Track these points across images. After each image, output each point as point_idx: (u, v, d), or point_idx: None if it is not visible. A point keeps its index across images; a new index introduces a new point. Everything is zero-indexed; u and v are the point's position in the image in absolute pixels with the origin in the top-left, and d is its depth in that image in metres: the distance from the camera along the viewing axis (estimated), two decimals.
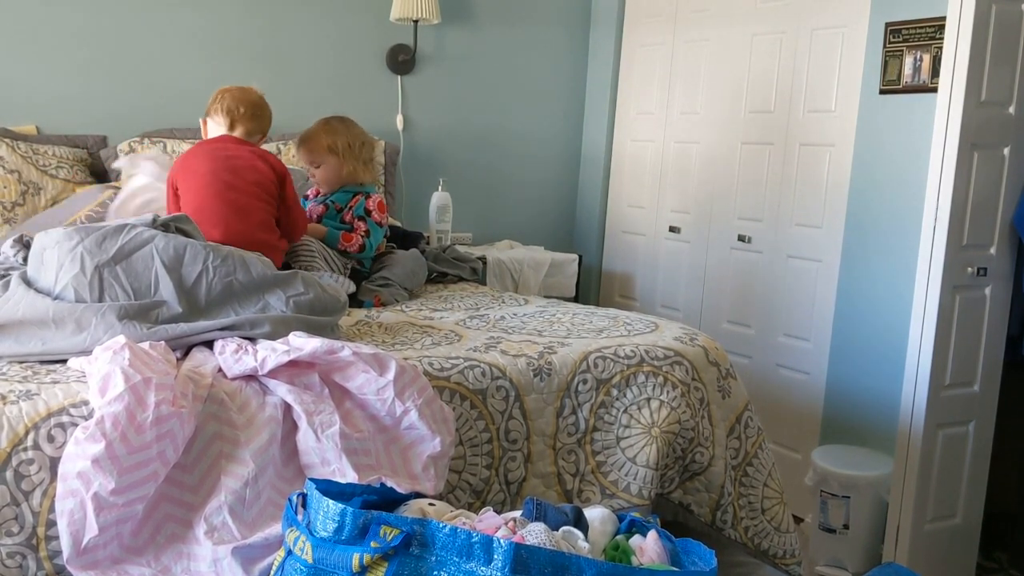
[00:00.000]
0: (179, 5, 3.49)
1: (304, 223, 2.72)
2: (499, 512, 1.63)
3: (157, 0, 3.46)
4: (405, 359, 1.89)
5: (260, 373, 1.77)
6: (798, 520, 3.08)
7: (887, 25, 2.97)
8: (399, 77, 3.91)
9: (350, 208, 2.92)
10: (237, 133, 2.66)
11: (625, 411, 2.12)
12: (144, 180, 2.88)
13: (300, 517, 1.45)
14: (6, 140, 3.06)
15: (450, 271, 3.14)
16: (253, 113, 2.69)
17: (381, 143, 3.73)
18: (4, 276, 2.07)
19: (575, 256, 3.89)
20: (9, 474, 1.55)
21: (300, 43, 3.71)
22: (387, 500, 1.57)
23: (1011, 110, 2.72)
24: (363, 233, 2.87)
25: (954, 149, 2.65)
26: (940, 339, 2.72)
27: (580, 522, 1.56)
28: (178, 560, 1.60)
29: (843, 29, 3.15)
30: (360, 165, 2.94)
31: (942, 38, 2.75)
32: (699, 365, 2.24)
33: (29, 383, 1.69)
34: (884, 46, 2.98)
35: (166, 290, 1.92)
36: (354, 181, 2.96)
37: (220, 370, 1.80)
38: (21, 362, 1.83)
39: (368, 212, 2.90)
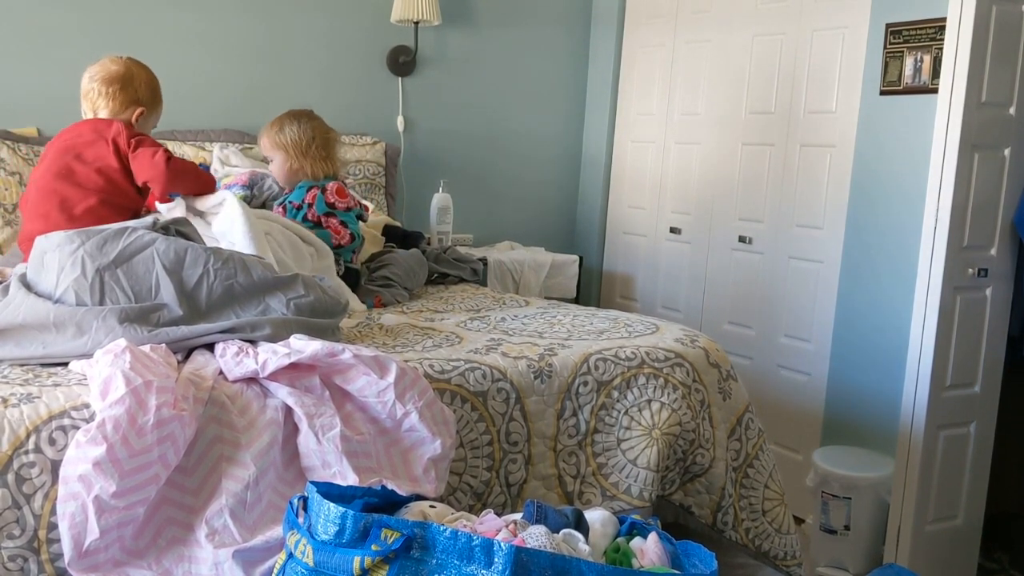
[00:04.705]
0: (179, 6, 3.49)
1: (152, 169, 2.42)
2: (500, 514, 1.63)
3: (157, 1, 3.46)
4: (406, 361, 1.89)
5: (261, 376, 1.77)
6: (799, 521, 3.08)
7: (887, 26, 2.97)
8: (400, 79, 3.91)
9: (311, 206, 2.81)
10: (103, 114, 2.52)
11: (626, 413, 2.12)
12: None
13: (301, 520, 1.45)
14: (7, 142, 3.06)
15: (451, 272, 3.14)
16: (111, 89, 2.51)
17: (382, 144, 3.74)
18: (4, 280, 2.07)
19: (576, 257, 3.89)
20: (10, 477, 1.55)
21: (301, 44, 3.71)
22: (388, 502, 1.57)
23: (1011, 111, 2.72)
24: (339, 223, 2.80)
25: (955, 150, 2.65)
26: (941, 340, 2.73)
27: (581, 524, 1.56)
28: (179, 563, 1.60)
29: (843, 30, 3.15)
30: (311, 162, 2.85)
31: (942, 39, 2.75)
32: (700, 367, 2.24)
33: (30, 386, 1.69)
34: (884, 47, 2.98)
35: (167, 293, 1.92)
36: (307, 176, 2.87)
37: (221, 373, 1.80)
38: (22, 365, 1.83)
39: (331, 205, 2.82)
